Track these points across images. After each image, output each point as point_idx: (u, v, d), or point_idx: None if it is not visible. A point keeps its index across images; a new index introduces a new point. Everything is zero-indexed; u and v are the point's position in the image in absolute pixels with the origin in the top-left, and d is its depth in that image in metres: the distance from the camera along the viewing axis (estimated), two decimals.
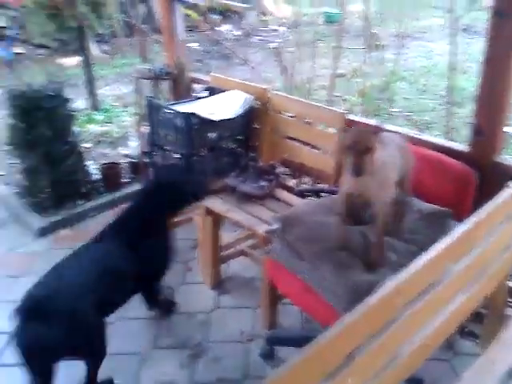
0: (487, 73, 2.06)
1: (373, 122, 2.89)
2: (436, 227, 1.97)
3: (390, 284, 1.28)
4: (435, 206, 2.08)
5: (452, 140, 3.28)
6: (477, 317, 2.09)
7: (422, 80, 6.10)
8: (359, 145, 1.68)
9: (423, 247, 1.42)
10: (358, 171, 1.68)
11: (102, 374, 2.21)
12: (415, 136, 2.39)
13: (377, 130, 1.76)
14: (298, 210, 2.23)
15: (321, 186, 2.79)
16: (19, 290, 2.76)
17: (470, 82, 5.30)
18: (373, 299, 1.24)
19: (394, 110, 4.79)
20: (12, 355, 2.30)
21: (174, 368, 2.25)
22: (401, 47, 3.68)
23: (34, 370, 1.88)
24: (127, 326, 2.51)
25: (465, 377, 1.57)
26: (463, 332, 2.29)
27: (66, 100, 3.42)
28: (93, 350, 2.02)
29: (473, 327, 2.26)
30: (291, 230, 2.08)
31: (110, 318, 2.48)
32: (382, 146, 1.75)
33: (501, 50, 1.99)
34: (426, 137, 2.42)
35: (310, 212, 2.16)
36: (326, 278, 1.86)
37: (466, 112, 4.05)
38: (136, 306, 2.61)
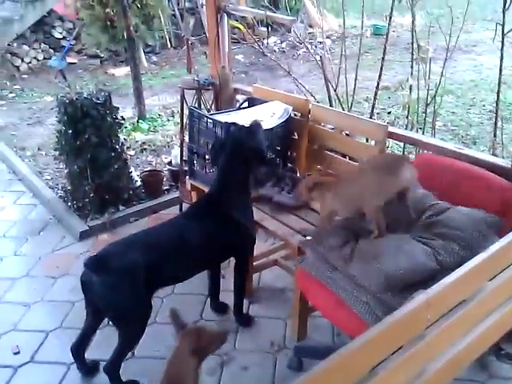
0: None
1: (414, 134, 2.86)
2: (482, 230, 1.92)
3: (421, 297, 1.25)
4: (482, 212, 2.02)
5: (497, 156, 3.17)
6: None
7: (470, 94, 5.95)
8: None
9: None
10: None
11: (130, 375, 2.25)
12: (457, 150, 2.33)
13: None
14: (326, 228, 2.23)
15: None
16: (56, 290, 2.89)
17: None
18: (400, 312, 1.21)
19: (439, 123, 4.69)
20: (47, 353, 2.41)
21: (201, 375, 2.26)
22: (448, 60, 3.58)
23: (86, 307, 2.17)
24: (157, 330, 2.54)
25: None
26: (500, 354, 2.20)
27: (114, 108, 3.54)
28: (128, 319, 2.10)
29: (510, 349, 2.17)
30: (324, 241, 2.06)
31: None
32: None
33: None
34: (468, 151, 2.36)
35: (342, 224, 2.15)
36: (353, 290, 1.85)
37: None
38: (166, 312, 2.65)
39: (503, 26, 3.20)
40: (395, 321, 1.19)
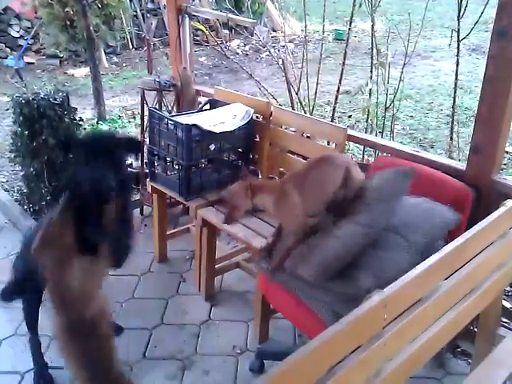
0: (487, 91, 2.06)
1: (373, 138, 2.90)
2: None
3: (377, 297, 1.26)
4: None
5: (454, 159, 3.26)
6: (469, 336, 2.06)
7: (428, 99, 6.10)
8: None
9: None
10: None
11: None
12: (414, 153, 2.38)
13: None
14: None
15: None
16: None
17: (475, 101, 5.28)
18: (357, 312, 1.22)
19: (398, 127, 4.80)
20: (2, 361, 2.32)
21: (162, 379, 2.24)
22: (407, 65, 3.67)
23: None
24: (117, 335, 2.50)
25: None
26: (456, 351, 2.26)
27: (72, 109, 3.46)
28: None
29: (466, 346, 2.22)
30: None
31: None
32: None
33: (501, 69, 1.98)
34: (424, 154, 2.41)
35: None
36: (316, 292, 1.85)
37: (470, 132, 4.04)
38: (127, 316, 2.61)
39: (458, 32, 3.30)
40: (352, 321, 1.20)
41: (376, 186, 1.94)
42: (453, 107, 3.57)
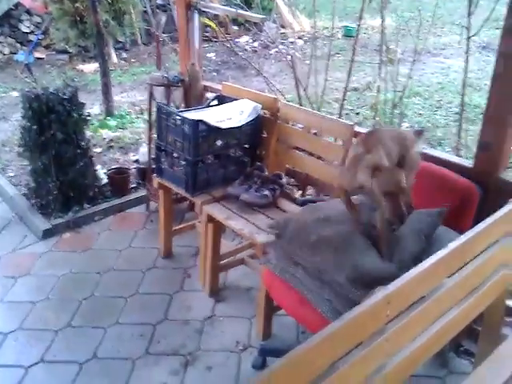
0: (496, 89, 2.04)
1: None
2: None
3: (380, 293, 1.25)
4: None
5: (461, 157, 3.24)
6: (473, 335, 2.04)
7: (437, 96, 6.06)
8: (395, 189, 1.70)
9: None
10: (402, 216, 1.72)
11: (92, 375, 2.22)
12: (422, 150, 2.36)
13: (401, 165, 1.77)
14: (290, 215, 2.25)
15: (324, 197, 2.77)
16: (16, 290, 2.82)
17: (484, 99, 5.24)
18: (360, 308, 1.22)
19: (406, 124, 4.77)
20: (4, 356, 2.34)
21: (164, 375, 2.24)
22: (416, 62, 3.65)
23: None
24: (121, 330, 2.51)
25: None
26: (459, 350, 2.24)
27: (80, 104, 3.47)
28: None
29: (469, 345, 2.21)
30: (284, 232, 2.07)
31: (104, 323, 2.50)
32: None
33: (510, 66, 1.96)
34: (431, 151, 2.40)
35: (302, 214, 2.18)
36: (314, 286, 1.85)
37: (478, 130, 4.01)
38: (131, 311, 2.62)
39: (468, 29, 3.27)
40: (355, 317, 1.19)
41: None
42: (461, 105, 3.55)
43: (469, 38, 3.32)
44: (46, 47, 8.35)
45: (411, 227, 1.91)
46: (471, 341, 2.15)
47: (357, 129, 2.55)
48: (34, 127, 3.26)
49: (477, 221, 1.68)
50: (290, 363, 1.09)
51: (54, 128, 3.26)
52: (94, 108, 5.44)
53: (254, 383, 1.05)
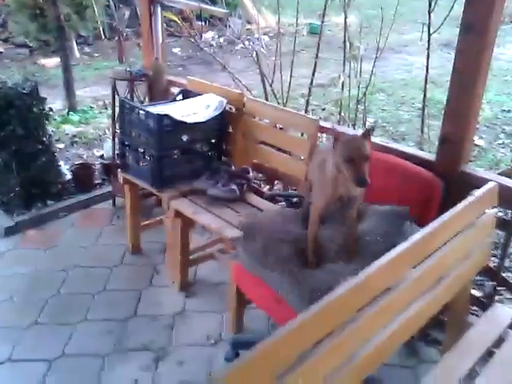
0: (455, 83, 2.09)
1: (345, 129, 2.93)
2: (393, 227, 1.99)
3: (346, 285, 1.28)
4: (392, 206, 2.09)
5: (424, 151, 3.32)
6: (441, 324, 2.10)
7: (401, 92, 6.19)
8: (360, 155, 1.70)
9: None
10: (363, 181, 1.69)
11: (62, 373, 2.18)
12: (385, 144, 2.41)
13: (366, 137, 1.77)
14: (258, 220, 2.24)
15: (291, 191, 2.79)
16: None
17: (446, 95, 5.38)
18: (327, 300, 1.23)
19: (370, 120, 4.85)
20: None
21: (136, 370, 2.22)
22: (378, 59, 3.71)
23: None
24: (90, 327, 2.47)
25: (423, 383, 1.57)
26: (428, 339, 2.30)
27: (41, 99, 3.39)
28: None
29: (437, 334, 2.27)
30: (252, 238, 2.07)
31: (72, 321, 2.46)
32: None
33: (468, 62, 2.02)
34: (394, 145, 2.44)
35: (270, 221, 2.17)
36: (288, 283, 1.86)
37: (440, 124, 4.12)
38: (99, 308, 2.58)
39: (429, 26, 3.35)
40: (322, 308, 1.21)
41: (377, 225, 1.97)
42: (423, 100, 3.63)
43: (429, 35, 3.39)
44: (5, 40, 8.11)
45: (374, 226, 1.96)
46: (438, 330, 2.21)
47: (322, 123, 2.57)
48: None
49: (441, 213, 1.72)
50: (257, 356, 1.10)
51: (13, 123, 3.19)
52: (56, 103, 5.30)
53: (221, 376, 1.06)
